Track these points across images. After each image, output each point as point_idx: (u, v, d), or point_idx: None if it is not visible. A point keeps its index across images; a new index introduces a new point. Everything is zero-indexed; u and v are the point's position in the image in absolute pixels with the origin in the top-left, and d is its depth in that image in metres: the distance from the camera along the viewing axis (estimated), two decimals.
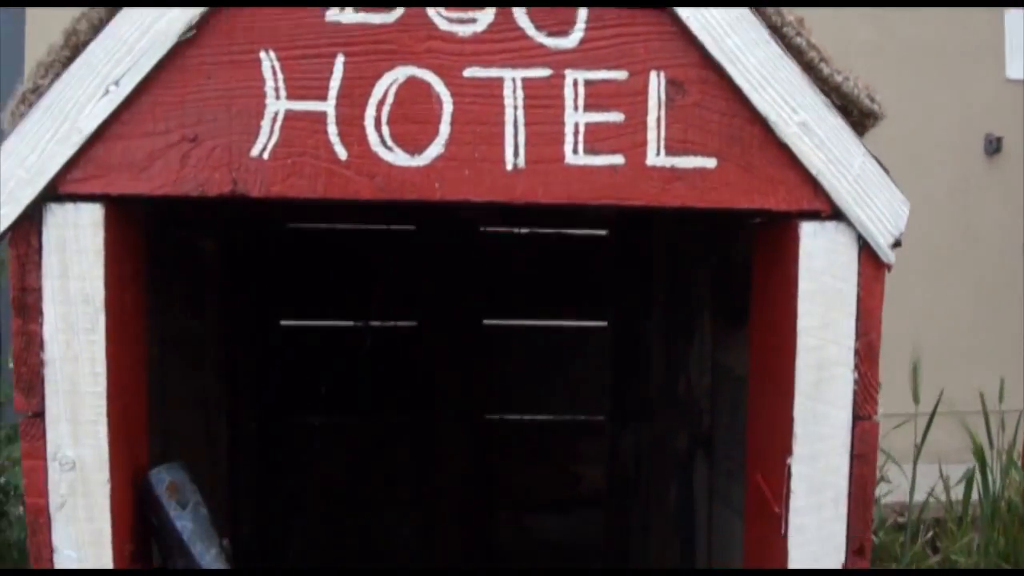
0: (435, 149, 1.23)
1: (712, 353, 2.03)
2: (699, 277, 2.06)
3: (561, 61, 1.24)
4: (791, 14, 1.26)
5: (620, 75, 1.25)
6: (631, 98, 1.25)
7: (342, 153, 1.23)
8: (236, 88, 1.21)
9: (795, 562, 1.34)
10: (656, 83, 1.25)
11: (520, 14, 1.23)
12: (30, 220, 1.20)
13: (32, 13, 4.68)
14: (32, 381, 1.22)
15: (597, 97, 1.24)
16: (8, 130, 1.21)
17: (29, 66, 1.21)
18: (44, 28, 3.87)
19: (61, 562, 1.23)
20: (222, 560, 1.28)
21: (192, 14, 1.19)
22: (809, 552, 1.34)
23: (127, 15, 1.18)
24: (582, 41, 1.24)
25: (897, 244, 1.29)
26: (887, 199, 1.28)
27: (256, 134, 1.22)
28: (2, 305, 1.39)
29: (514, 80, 1.24)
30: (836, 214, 1.28)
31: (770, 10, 1.25)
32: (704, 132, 1.26)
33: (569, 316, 2.86)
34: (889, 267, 1.30)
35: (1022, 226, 5.55)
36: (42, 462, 1.22)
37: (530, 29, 1.24)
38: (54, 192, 1.20)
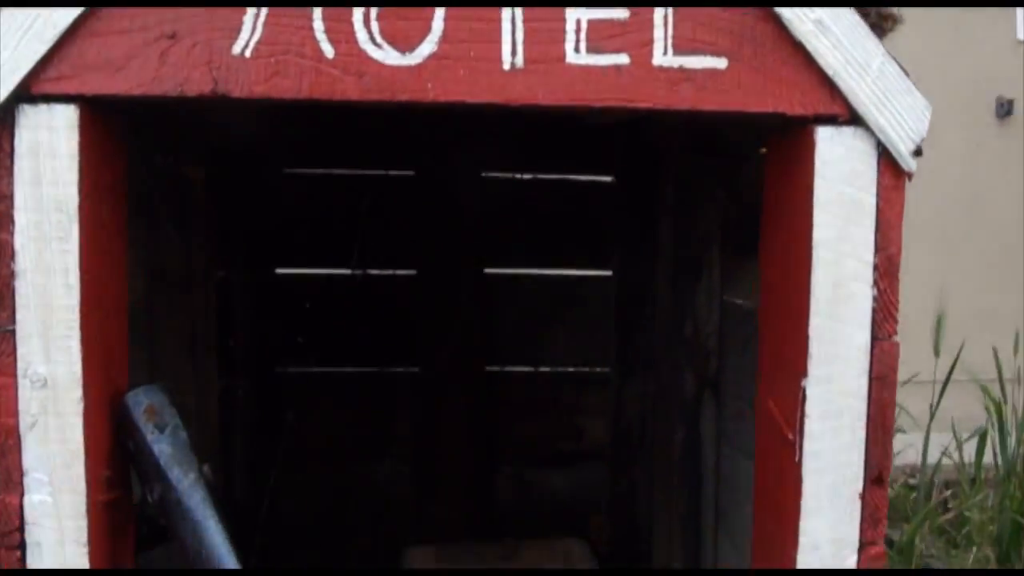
0: (427, 47, 1.16)
1: (720, 291, 1.96)
2: (707, 212, 1.98)
3: None
4: None
5: None
6: None
7: (329, 51, 1.16)
8: None
9: (809, 493, 1.27)
10: None
11: None
12: (2, 123, 1.14)
13: None
14: (2, 293, 1.15)
15: None
16: None
17: None
18: None
19: (31, 485, 1.17)
20: (200, 485, 1.21)
21: None
22: (825, 481, 1.27)
23: None
24: None
25: (918, 152, 1.22)
26: (908, 103, 1.21)
27: (238, 30, 1.15)
28: None
29: None
30: (854, 119, 1.22)
31: None
32: (714, 30, 1.19)
33: (573, 265, 2.78)
34: (910, 176, 1.23)
35: None
36: (12, 379, 1.16)
37: None
38: (27, 92, 1.14)
